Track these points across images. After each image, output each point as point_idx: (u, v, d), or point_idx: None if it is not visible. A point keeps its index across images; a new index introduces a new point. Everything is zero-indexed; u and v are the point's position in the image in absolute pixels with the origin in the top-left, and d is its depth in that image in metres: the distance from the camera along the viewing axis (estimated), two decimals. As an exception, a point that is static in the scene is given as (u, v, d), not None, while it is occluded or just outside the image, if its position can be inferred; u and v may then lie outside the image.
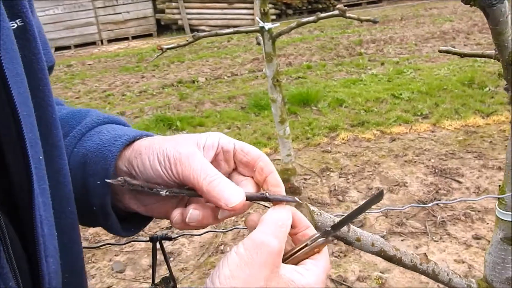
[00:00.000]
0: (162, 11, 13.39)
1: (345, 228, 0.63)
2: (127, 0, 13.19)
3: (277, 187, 0.49)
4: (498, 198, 0.78)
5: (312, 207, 0.60)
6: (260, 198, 0.48)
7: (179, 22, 13.13)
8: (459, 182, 3.23)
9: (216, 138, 0.52)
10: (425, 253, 0.72)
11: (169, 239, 0.74)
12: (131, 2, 13.23)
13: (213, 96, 6.17)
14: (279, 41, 9.11)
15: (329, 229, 0.48)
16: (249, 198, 0.47)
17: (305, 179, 3.63)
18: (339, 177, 3.57)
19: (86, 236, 3.14)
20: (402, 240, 2.70)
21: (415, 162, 3.64)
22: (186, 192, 0.49)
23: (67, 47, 13.22)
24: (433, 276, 0.73)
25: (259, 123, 4.88)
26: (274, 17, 11.30)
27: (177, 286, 0.78)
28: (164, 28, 13.58)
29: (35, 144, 0.39)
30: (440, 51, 0.77)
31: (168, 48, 2.56)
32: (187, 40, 2.49)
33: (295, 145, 4.20)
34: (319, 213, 0.60)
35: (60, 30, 13.07)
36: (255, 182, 0.51)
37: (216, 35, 2.53)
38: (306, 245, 0.47)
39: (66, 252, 0.45)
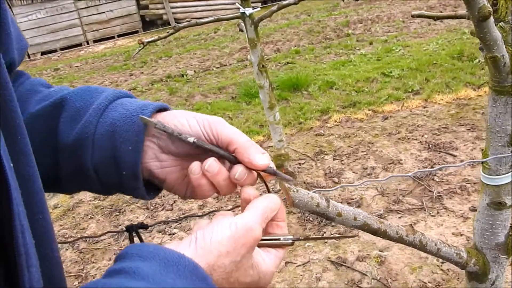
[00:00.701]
0: (146, 7, 13.24)
1: (324, 203, 0.60)
2: (110, -2, 13.02)
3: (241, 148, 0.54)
4: (482, 163, 0.75)
5: (287, 184, 0.58)
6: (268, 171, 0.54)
7: (164, 17, 12.99)
8: (453, 156, 3.22)
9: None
10: (410, 224, 0.69)
11: (145, 227, 0.72)
12: (114, 1, 13.07)
13: (203, 88, 6.12)
14: (266, 28, 9.05)
15: (301, 238, 0.58)
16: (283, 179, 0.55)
17: (299, 163, 3.62)
18: (334, 159, 3.55)
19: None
20: (399, 217, 2.69)
21: (408, 139, 3.62)
22: (212, 147, 0.53)
23: (53, 51, 13.07)
24: (421, 247, 0.71)
25: (250, 112, 4.85)
26: (259, 4, 11.20)
27: None
28: (149, 24, 13.45)
29: (3, 151, 0.38)
30: (412, 16, 0.74)
31: (149, 42, 2.52)
32: (167, 32, 2.44)
33: (287, 131, 4.17)
34: (295, 190, 0.57)
35: (44, 34, 12.92)
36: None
37: (197, 24, 2.48)
38: (278, 239, 0.54)
39: (44, 259, 0.44)
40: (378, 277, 2.18)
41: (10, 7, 12.25)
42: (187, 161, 0.56)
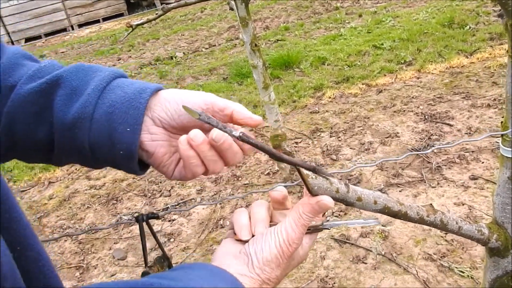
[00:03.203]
0: (130, -11, 12.92)
1: (344, 188, 0.57)
2: (92, -19, 12.67)
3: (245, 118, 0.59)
4: (502, 135, 0.72)
5: (306, 171, 0.54)
6: (308, 167, 0.55)
7: (149, -3, 12.70)
8: (450, 125, 3.21)
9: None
10: (431, 204, 0.67)
11: (156, 217, 0.69)
12: (96, -17, 12.72)
13: (193, 70, 6.02)
14: (253, 5, 8.88)
15: (329, 228, 0.62)
16: (301, 166, 0.55)
17: (296, 142, 3.59)
18: (330, 136, 3.52)
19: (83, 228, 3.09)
20: (400, 191, 2.68)
21: (404, 111, 3.60)
22: (256, 141, 0.52)
23: (38, 37, 12.76)
24: (442, 226, 0.69)
25: (243, 92, 4.78)
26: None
27: (173, 264, 0.77)
28: (134, 6, 13.15)
29: None
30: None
31: (138, 25, 2.44)
32: (156, 14, 2.36)
33: (282, 110, 4.13)
34: (313, 177, 0.54)
35: (28, 19, 12.58)
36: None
37: (186, 4, 2.40)
38: (309, 230, 0.59)
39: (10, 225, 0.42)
40: (383, 252, 2.18)
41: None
42: (178, 137, 0.58)
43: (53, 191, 3.75)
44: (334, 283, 2.06)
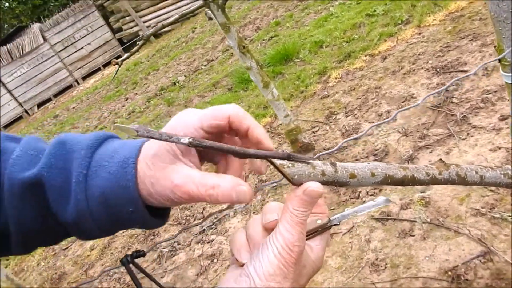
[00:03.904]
0: (120, 29, 13.15)
1: (330, 169, 0.50)
2: (83, 32, 12.95)
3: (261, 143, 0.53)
4: (499, 61, 0.63)
5: (279, 161, 0.47)
6: (281, 156, 0.49)
7: (140, 33, 12.86)
8: (464, 71, 3.05)
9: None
10: (440, 159, 0.58)
11: (142, 255, 0.64)
12: (87, 33, 13.00)
13: (198, 89, 6.01)
14: (240, 11, 8.85)
15: (338, 223, 0.57)
16: (271, 157, 0.49)
17: (314, 132, 3.50)
18: (346, 116, 3.41)
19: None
20: (430, 152, 2.55)
21: (413, 70, 3.45)
22: (212, 143, 0.47)
23: (48, 100, 13.13)
24: (461, 181, 0.60)
25: (250, 97, 4.73)
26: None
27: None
28: (129, 45, 13.36)
29: None
30: None
31: (123, 60, 2.42)
32: (137, 44, 2.33)
33: (292, 103, 4.05)
34: (289, 165, 0.47)
35: (34, 86, 12.98)
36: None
37: (163, 27, 2.37)
38: (317, 231, 0.54)
39: None
40: (429, 220, 2.07)
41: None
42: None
43: (93, 242, 3.78)
44: (386, 264, 1.96)
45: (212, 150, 0.47)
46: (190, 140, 0.45)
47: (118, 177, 0.52)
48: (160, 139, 0.45)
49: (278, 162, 0.48)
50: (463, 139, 2.49)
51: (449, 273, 1.77)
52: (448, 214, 2.05)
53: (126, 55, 2.33)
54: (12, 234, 0.57)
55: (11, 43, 12.55)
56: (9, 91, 12.73)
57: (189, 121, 0.52)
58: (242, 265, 0.51)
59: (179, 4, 12.35)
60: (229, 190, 0.49)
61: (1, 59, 12.43)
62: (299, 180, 0.49)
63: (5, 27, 16.38)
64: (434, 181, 0.57)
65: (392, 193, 2.35)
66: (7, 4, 17.26)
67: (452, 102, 2.85)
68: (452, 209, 2.06)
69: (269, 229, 0.52)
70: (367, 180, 0.52)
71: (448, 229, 1.97)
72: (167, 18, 12.59)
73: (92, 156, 0.55)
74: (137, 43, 2.28)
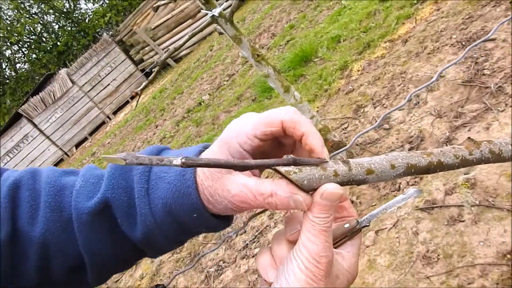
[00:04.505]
0: (142, 60, 13.47)
1: (343, 168, 0.45)
2: (107, 69, 13.37)
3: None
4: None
5: (284, 168, 0.43)
6: (286, 163, 0.44)
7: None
8: (493, 40, 2.89)
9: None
10: (469, 138, 0.52)
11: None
12: (112, 70, 13.40)
13: (223, 105, 6.03)
14: (253, 21, 8.87)
15: (368, 224, 0.51)
16: (275, 165, 0.44)
17: (343, 128, 3.41)
18: (375, 108, 3.31)
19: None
20: (469, 130, 2.42)
21: (438, 48, 3.31)
22: (208, 160, 0.42)
23: (84, 140, 13.59)
24: (496, 158, 0.53)
25: (275, 104, 4.68)
26: None
27: None
28: (152, 73, 13.65)
29: None
30: None
31: (142, 89, 2.44)
32: (152, 71, 2.35)
33: (318, 104, 3.98)
34: (296, 171, 0.42)
35: (70, 128, 13.47)
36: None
37: (175, 50, 2.37)
38: (345, 237, 0.49)
39: None
40: (477, 202, 1.94)
41: (30, 120, 12.89)
42: None
43: (142, 271, 3.81)
44: (438, 255, 1.84)
45: (208, 167, 0.43)
46: (183, 160, 0.41)
47: (178, 186, 0.53)
48: (151, 165, 0.42)
49: (283, 169, 0.44)
50: (502, 111, 2.34)
51: (508, 256, 1.64)
52: (498, 193, 1.91)
53: (144, 83, 2.35)
54: (88, 266, 0.58)
55: (43, 91, 13.11)
56: (48, 137, 13.26)
57: (242, 129, 0.51)
58: (270, 285, 0.47)
59: (193, 26, 12.54)
60: (287, 198, 0.46)
61: (36, 108, 12.99)
62: (310, 185, 0.44)
63: (36, 78, 17.14)
64: (464, 163, 0.50)
65: (434, 179, 2.23)
66: (34, 56, 18.11)
67: (484, 74, 2.70)
68: (501, 187, 1.93)
69: (293, 242, 0.48)
70: (387, 173, 0.47)
71: (500, 209, 1.84)
72: (184, 44, 12.76)
73: (151, 169, 0.57)
74: (153, 70, 2.29)
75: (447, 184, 2.12)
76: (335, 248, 0.49)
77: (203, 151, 0.56)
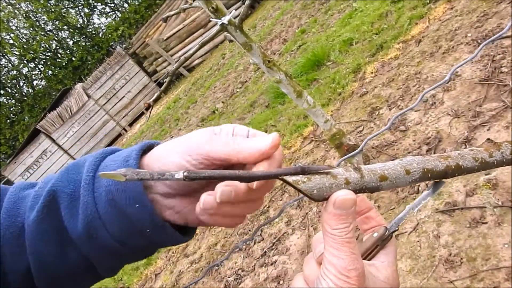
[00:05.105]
0: (155, 71, 13.61)
1: (355, 175, 0.42)
2: (122, 82, 13.54)
3: None
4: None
5: (292, 178, 0.41)
6: (294, 172, 0.42)
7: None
8: (509, 37, 2.82)
9: (230, 128, 0.53)
10: (488, 139, 0.49)
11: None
12: (126, 82, 13.57)
13: (237, 112, 6.04)
14: (264, 28, 8.89)
15: (397, 228, 0.49)
16: (282, 174, 0.42)
17: (359, 131, 3.37)
18: (390, 109, 3.26)
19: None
20: (488, 129, 2.36)
21: (452, 47, 3.25)
22: (212, 172, 0.41)
23: (102, 152, 13.74)
24: (518, 158, 0.50)
25: (288, 110, 4.66)
26: (240, 3, 11.15)
27: None
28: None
29: None
30: None
31: (155, 100, 2.45)
32: (164, 81, 2.36)
33: (332, 107, 3.94)
34: (304, 180, 0.40)
35: (87, 142, 13.66)
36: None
37: (186, 59, 2.38)
38: (376, 246, 0.47)
39: None
40: (500, 203, 1.88)
41: (48, 136, 13.11)
42: (198, 194, 0.49)
43: (162, 282, 3.81)
44: (462, 258, 1.79)
45: (212, 179, 0.41)
46: (185, 174, 0.40)
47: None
48: (152, 179, 0.40)
49: (291, 179, 0.42)
50: (522, 108, 2.28)
51: (536, 258, 1.58)
52: (522, 193, 1.86)
53: (156, 94, 2.36)
54: (34, 276, 0.54)
55: (59, 107, 13.34)
56: (66, 151, 13.47)
57: (175, 162, 0.50)
58: None
59: (205, 36, 12.63)
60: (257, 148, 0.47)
61: (54, 123, 13.22)
62: (320, 194, 0.42)
63: (53, 93, 17.47)
64: (484, 166, 0.48)
65: (454, 181, 2.17)
66: (50, 72, 18.47)
67: (501, 72, 2.64)
68: (525, 187, 1.87)
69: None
70: (402, 179, 0.45)
71: (525, 209, 1.78)
72: (195, 53, 12.86)
73: (103, 160, 0.54)
74: (164, 80, 2.30)
75: (468, 185, 2.07)
76: (366, 259, 0.46)
77: (146, 149, 0.54)
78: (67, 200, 0.52)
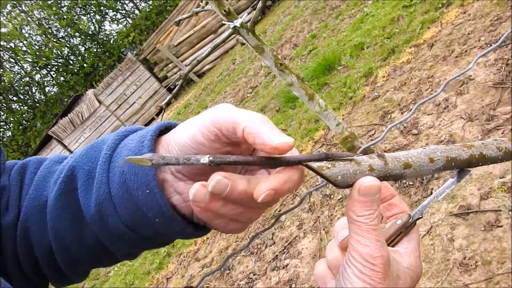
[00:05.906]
0: (166, 77, 13.70)
1: (379, 162, 0.43)
2: (133, 88, 13.66)
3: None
4: None
5: (316, 164, 0.41)
6: (318, 158, 0.42)
7: (185, 76, 13.33)
8: (523, 40, 2.80)
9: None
10: (512, 128, 0.49)
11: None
12: (137, 88, 13.68)
13: (247, 117, 6.05)
14: (275, 33, 8.92)
15: (421, 216, 0.49)
16: (306, 160, 0.42)
17: (370, 135, 3.35)
18: (402, 113, 3.25)
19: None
20: (502, 133, 2.34)
21: (466, 51, 3.24)
22: (237, 158, 0.41)
23: (113, 158, 13.84)
24: (543, 149, 0.50)
25: (299, 114, 4.66)
26: (250, 9, 11.22)
27: None
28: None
29: None
30: None
31: (166, 103, 2.47)
32: (176, 84, 2.37)
33: (343, 112, 3.93)
34: (329, 166, 0.40)
35: (99, 148, 13.75)
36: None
37: (198, 62, 2.40)
38: (400, 233, 0.47)
39: None
40: (515, 205, 1.86)
41: (60, 142, 13.25)
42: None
43: (173, 285, 3.82)
44: (476, 262, 1.77)
45: (237, 164, 0.42)
46: (211, 158, 0.40)
47: (135, 153, 0.48)
48: (178, 164, 0.40)
49: (315, 164, 0.42)
50: (537, 111, 2.26)
51: (554, 261, 1.56)
52: (538, 196, 1.83)
53: (168, 97, 2.37)
54: (56, 254, 0.54)
55: (71, 113, 13.49)
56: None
57: (194, 134, 0.47)
58: None
59: (215, 40, 12.69)
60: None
61: (65, 129, 13.37)
62: (344, 181, 0.42)
63: (64, 99, 17.68)
64: (508, 155, 0.48)
65: (467, 184, 2.15)
66: (62, 78, 18.71)
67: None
68: (541, 189, 1.85)
69: (346, 249, 0.45)
70: (425, 167, 0.45)
71: (542, 212, 1.76)
72: (207, 56, 12.96)
73: (123, 139, 0.53)
74: (176, 83, 2.32)
75: (482, 189, 2.05)
76: (390, 246, 0.46)
77: (165, 130, 0.52)
78: (84, 177, 0.52)
